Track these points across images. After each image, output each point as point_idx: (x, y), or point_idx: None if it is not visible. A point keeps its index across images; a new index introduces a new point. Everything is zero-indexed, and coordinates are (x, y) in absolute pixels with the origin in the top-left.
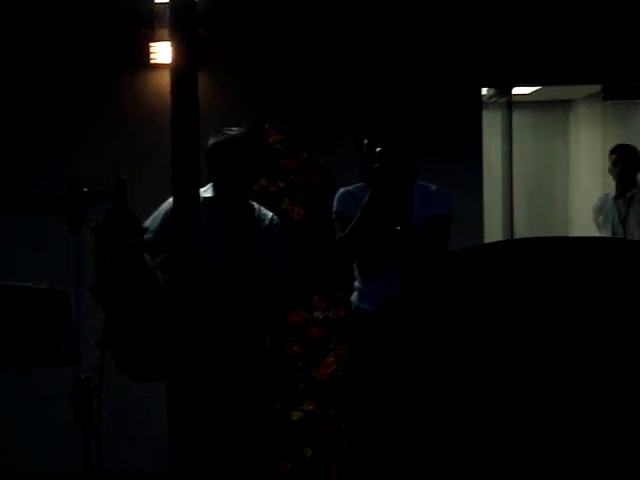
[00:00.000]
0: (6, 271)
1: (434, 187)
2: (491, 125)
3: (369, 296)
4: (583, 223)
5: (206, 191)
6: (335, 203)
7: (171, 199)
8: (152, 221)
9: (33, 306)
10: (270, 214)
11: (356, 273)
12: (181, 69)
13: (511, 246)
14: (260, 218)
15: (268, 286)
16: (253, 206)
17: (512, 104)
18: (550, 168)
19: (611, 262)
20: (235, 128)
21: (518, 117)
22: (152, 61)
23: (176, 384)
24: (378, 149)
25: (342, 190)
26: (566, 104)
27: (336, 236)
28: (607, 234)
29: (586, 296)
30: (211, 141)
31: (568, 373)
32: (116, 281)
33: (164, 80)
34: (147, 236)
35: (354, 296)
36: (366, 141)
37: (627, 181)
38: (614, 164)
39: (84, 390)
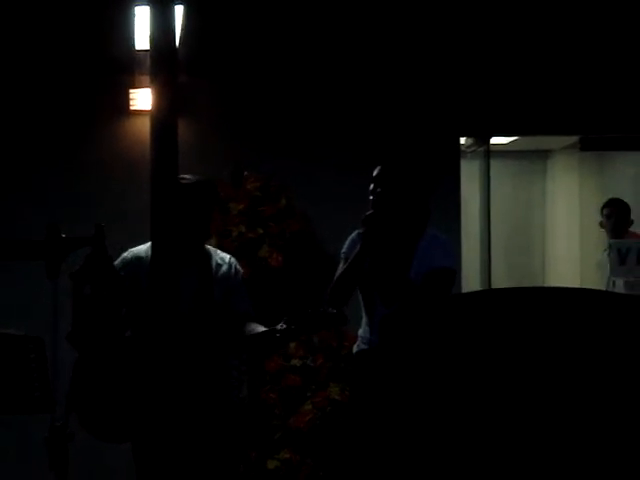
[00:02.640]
0: None
1: (443, 237)
2: (469, 174)
3: (362, 342)
4: (560, 273)
5: None
6: (345, 244)
7: (133, 249)
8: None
9: (9, 352)
10: (228, 256)
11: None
12: (161, 115)
13: (488, 296)
14: (218, 263)
15: (237, 330)
16: (209, 252)
17: (490, 153)
18: (527, 217)
19: (587, 313)
20: (189, 176)
21: (496, 166)
22: (132, 107)
23: (141, 442)
24: (367, 213)
25: (355, 233)
26: (544, 154)
27: (335, 274)
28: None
29: (563, 347)
30: None
31: (544, 423)
32: (92, 328)
33: (144, 126)
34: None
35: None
36: (379, 189)
37: (619, 234)
38: (607, 217)
39: (59, 437)
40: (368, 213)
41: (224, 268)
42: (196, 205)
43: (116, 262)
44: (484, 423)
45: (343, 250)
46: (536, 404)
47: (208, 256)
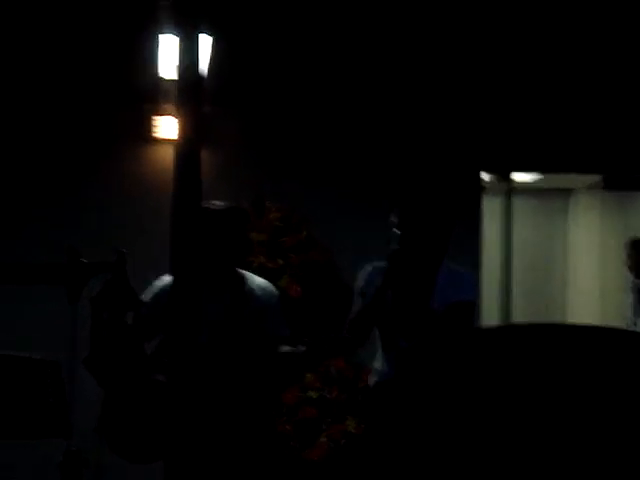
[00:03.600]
0: (3, 340)
1: (462, 271)
2: (491, 211)
3: (378, 374)
4: (580, 312)
5: None
6: (360, 277)
7: (164, 277)
8: (145, 296)
9: (26, 376)
10: (263, 283)
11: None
12: (186, 144)
13: (511, 331)
14: (252, 288)
15: (269, 353)
16: (244, 277)
17: (512, 191)
18: (549, 255)
19: (609, 352)
20: (220, 202)
21: (518, 204)
22: (155, 135)
23: (173, 463)
24: (393, 248)
25: (369, 266)
26: (566, 193)
27: (352, 309)
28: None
29: (583, 385)
30: None
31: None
32: (110, 354)
33: (166, 154)
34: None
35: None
36: (397, 230)
37: None
38: (629, 257)
39: (74, 462)
40: (393, 249)
41: (258, 292)
42: (226, 231)
43: (148, 290)
44: (504, 459)
45: (358, 284)
46: (557, 441)
47: (242, 281)
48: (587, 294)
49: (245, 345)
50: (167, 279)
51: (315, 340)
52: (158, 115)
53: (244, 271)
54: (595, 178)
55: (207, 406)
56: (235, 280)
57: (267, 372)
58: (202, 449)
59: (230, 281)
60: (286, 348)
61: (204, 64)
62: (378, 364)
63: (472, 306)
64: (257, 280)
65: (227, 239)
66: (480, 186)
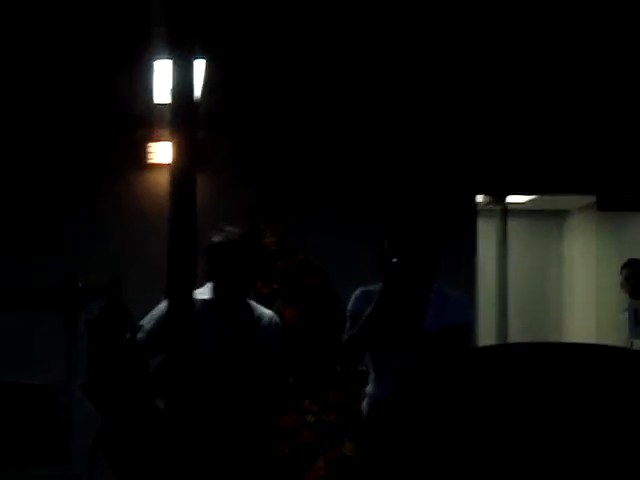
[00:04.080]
0: None
1: (454, 293)
2: (486, 232)
3: (370, 397)
4: (576, 332)
5: (203, 293)
6: (350, 302)
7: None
8: (146, 322)
9: (22, 402)
10: (268, 312)
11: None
12: (180, 169)
13: (507, 350)
14: (259, 317)
15: (272, 383)
16: (250, 305)
17: (507, 212)
18: (544, 276)
19: (606, 370)
20: (234, 228)
21: (513, 225)
22: (149, 161)
23: None
24: (393, 260)
25: (359, 290)
26: (561, 214)
27: (343, 335)
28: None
29: (583, 405)
30: (215, 240)
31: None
32: (107, 379)
33: (161, 179)
34: (139, 336)
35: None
36: (386, 243)
37: (638, 295)
38: (626, 279)
39: None
40: (394, 262)
41: (264, 322)
42: (245, 259)
43: (156, 310)
44: (499, 476)
45: (349, 308)
46: (555, 461)
47: (249, 309)
48: (583, 314)
49: (251, 370)
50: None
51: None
52: (153, 141)
53: (249, 300)
54: (589, 199)
55: (210, 428)
56: (243, 307)
57: (268, 398)
58: (202, 471)
59: (239, 308)
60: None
61: (198, 88)
62: (370, 388)
63: (466, 327)
64: (263, 310)
65: (243, 267)
66: (475, 208)
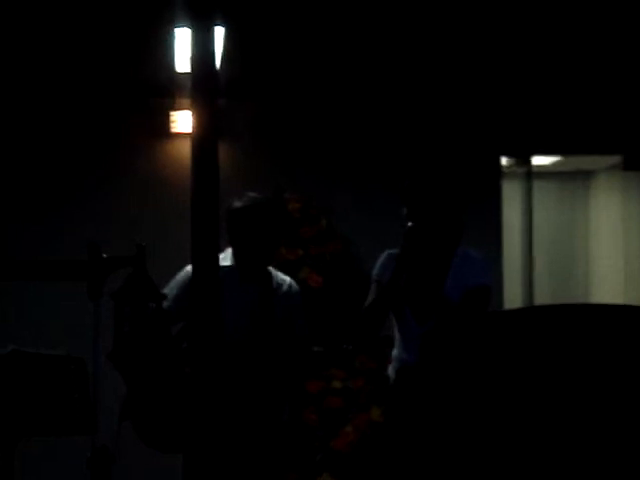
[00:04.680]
0: (25, 337)
1: (476, 255)
2: (511, 195)
3: (396, 362)
4: (603, 294)
5: (225, 259)
6: (375, 267)
7: (188, 267)
8: (169, 289)
9: (51, 373)
10: (288, 279)
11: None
12: (202, 138)
13: (532, 313)
14: (279, 283)
15: (293, 352)
16: (271, 272)
17: (532, 174)
18: (570, 238)
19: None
20: (257, 194)
21: (538, 187)
22: (172, 130)
23: (192, 456)
24: (409, 224)
25: (385, 253)
26: (586, 175)
27: (367, 299)
28: None
29: (610, 365)
30: (235, 205)
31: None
32: (134, 348)
33: (184, 148)
34: (165, 304)
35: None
36: (405, 209)
37: None
38: None
39: (102, 459)
40: (410, 226)
41: (284, 289)
42: (267, 224)
43: (179, 276)
44: (527, 439)
45: (375, 272)
46: (581, 421)
47: (270, 276)
48: (610, 276)
49: (275, 336)
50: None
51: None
52: (175, 110)
53: (270, 267)
54: (615, 159)
55: (236, 395)
56: (264, 274)
57: (291, 366)
58: (225, 441)
59: (260, 274)
60: (316, 348)
61: (218, 56)
62: (396, 352)
63: (488, 290)
64: (283, 277)
65: (271, 230)
66: (499, 170)
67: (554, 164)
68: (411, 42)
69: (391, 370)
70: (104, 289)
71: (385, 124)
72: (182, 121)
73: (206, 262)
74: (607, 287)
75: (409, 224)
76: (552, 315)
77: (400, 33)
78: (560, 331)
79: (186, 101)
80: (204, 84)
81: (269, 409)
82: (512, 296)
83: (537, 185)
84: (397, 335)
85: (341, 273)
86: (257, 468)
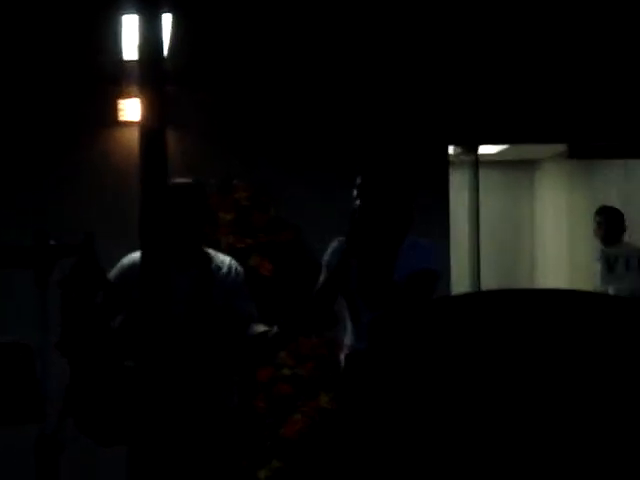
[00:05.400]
0: None
1: (425, 242)
2: (458, 183)
3: (348, 349)
4: (549, 282)
5: None
6: (326, 253)
7: (131, 254)
8: (111, 273)
9: None
10: (228, 259)
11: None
12: (150, 126)
13: (478, 297)
14: (218, 266)
15: (237, 333)
16: (209, 254)
17: (478, 163)
18: (516, 226)
19: (576, 314)
20: (181, 179)
21: (485, 176)
22: (120, 118)
23: (137, 447)
24: (356, 202)
25: (336, 241)
26: (532, 163)
27: (317, 284)
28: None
29: (550, 350)
30: None
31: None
32: (81, 337)
33: (132, 136)
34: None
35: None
36: (358, 202)
37: (612, 242)
38: (599, 225)
39: (49, 447)
40: (356, 205)
41: (224, 270)
42: (190, 207)
43: (115, 267)
44: (474, 425)
45: (325, 258)
46: (525, 407)
47: (208, 259)
48: (556, 264)
49: (214, 321)
50: (133, 256)
51: (286, 321)
52: (123, 98)
53: (209, 249)
54: (560, 148)
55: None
56: (201, 257)
57: (238, 350)
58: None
59: (196, 258)
60: (262, 328)
61: (166, 43)
62: (347, 339)
63: (434, 274)
64: (223, 258)
65: (192, 215)
66: (447, 159)
67: (500, 153)
68: (361, 29)
69: (342, 357)
70: (52, 277)
71: (336, 112)
72: (130, 109)
73: (155, 251)
74: (552, 274)
75: (356, 202)
76: (498, 300)
77: (351, 20)
78: (506, 315)
79: (134, 89)
80: (152, 70)
81: (214, 395)
82: (459, 283)
83: (483, 173)
84: (349, 323)
85: (291, 260)
86: (206, 457)
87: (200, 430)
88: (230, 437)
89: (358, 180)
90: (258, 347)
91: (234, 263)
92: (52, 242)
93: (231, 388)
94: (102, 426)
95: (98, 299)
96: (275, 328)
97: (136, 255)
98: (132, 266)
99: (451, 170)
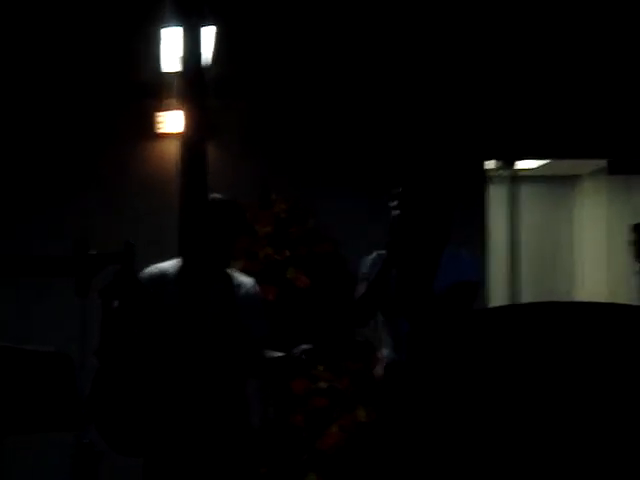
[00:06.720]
0: (13, 334)
1: (464, 252)
2: (496, 198)
3: (387, 361)
4: (587, 297)
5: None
6: (362, 264)
7: (150, 268)
8: None
9: (37, 369)
10: (247, 279)
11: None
12: (191, 138)
13: (519, 310)
14: (237, 285)
15: (249, 354)
16: (229, 274)
17: (517, 178)
18: (555, 242)
19: (616, 328)
20: (218, 195)
21: (523, 191)
22: (158, 130)
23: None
24: (394, 212)
25: (375, 254)
26: (571, 179)
27: (355, 295)
28: None
29: (597, 364)
30: None
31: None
32: (121, 345)
33: (170, 149)
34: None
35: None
36: (397, 212)
37: None
38: (634, 242)
39: (87, 455)
40: (393, 230)
41: (242, 291)
42: (224, 224)
43: (141, 275)
44: (514, 437)
45: (363, 270)
46: (565, 420)
47: (229, 278)
48: (594, 279)
49: (236, 336)
50: (152, 269)
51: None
52: (162, 110)
53: (228, 268)
54: (600, 163)
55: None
56: (221, 275)
57: (245, 369)
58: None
59: (217, 276)
60: (271, 353)
61: (208, 56)
62: (385, 352)
63: (473, 287)
64: (241, 277)
65: (222, 233)
66: (484, 173)
67: (539, 168)
68: (398, 47)
69: (379, 369)
70: (92, 286)
71: (373, 126)
72: (168, 122)
73: (194, 263)
74: (590, 290)
75: (395, 212)
76: (539, 312)
77: (388, 38)
78: (547, 328)
79: (172, 101)
80: (194, 83)
81: (229, 411)
82: (498, 298)
83: (522, 189)
84: (386, 336)
85: (328, 274)
86: (222, 471)
87: (218, 445)
88: (251, 452)
89: (397, 190)
90: (283, 368)
91: (253, 284)
92: (92, 252)
93: (243, 404)
94: (125, 435)
95: (134, 309)
96: (276, 353)
97: (165, 264)
98: (160, 275)
99: (490, 185)
